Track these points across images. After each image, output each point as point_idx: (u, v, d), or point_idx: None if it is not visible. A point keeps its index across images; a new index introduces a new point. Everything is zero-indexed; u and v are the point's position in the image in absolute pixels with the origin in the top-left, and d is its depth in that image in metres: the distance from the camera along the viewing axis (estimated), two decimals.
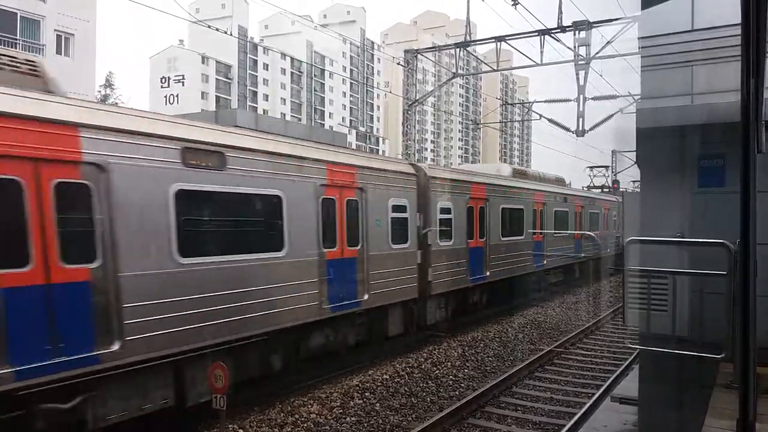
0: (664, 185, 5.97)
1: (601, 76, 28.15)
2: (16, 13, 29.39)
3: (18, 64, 6.36)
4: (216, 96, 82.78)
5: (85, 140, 6.23)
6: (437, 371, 10.94)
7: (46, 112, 5.98)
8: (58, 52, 31.03)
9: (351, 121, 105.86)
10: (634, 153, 6.47)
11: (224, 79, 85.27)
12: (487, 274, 16.05)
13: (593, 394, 9.53)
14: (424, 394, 9.66)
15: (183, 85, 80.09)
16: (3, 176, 5.58)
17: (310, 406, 8.71)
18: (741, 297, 2.75)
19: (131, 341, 6.55)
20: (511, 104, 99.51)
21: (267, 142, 8.96)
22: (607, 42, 19.06)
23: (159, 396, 7.12)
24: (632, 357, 11.20)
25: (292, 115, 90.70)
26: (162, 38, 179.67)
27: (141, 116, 7.23)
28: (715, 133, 5.49)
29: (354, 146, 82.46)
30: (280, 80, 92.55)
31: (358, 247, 10.74)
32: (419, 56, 24.91)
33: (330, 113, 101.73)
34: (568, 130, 22.67)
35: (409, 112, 25.21)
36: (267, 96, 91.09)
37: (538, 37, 19.49)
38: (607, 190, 36.08)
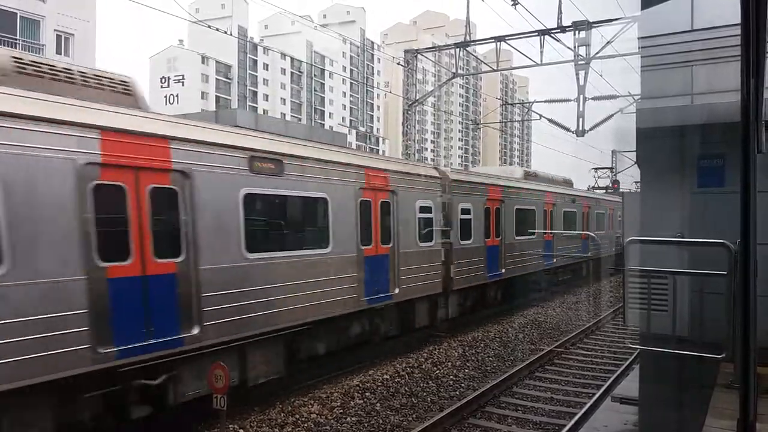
0: (664, 185, 5.97)
1: (601, 76, 28.18)
2: (16, 13, 29.42)
3: (115, 85, 7.27)
4: (216, 96, 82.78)
5: (174, 151, 7.15)
6: (438, 371, 10.94)
7: (144, 127, 6.89)
8: (58, 52, 31.05)
9: (351, 121, 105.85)
10: (634, 153, 6.47)
11: (224, 79, 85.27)
12: (503, 271, 16.85)
13: (594, 394, 9.52)
14: (425, 394, 9.66)
15: (183, 85, 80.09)
16: (112, 182, 6.50)
17: (310, 406, 8.71)
18: (741, 297, 2.75)
19: (207, 326, 7.44)
20: (511, 104, 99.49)
21: (316, 150, 9.96)
22: (607, 42, 19.07)
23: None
24: (633, 357, 11.20)
25: (292, 115, 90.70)
26: (162, 38, 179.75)
27: (216, 129, 8.14)
28: (715, 133, 5.49)
29: (354, 146, 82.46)
30: (280, 80, 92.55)
31: (390, 244, 11.61)
32: (419, 56, 24.92)
33: (330, 113, 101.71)
34: (568, 130, 22.69)
35: (409, 112, 25.21)
36: (267, 96, 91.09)
37: (538, 37, 19.50)
38: (611, 191, 36.27)
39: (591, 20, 19.02)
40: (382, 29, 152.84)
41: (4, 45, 26.37)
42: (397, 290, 11.69)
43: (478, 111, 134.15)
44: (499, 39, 20.44)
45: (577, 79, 20.57)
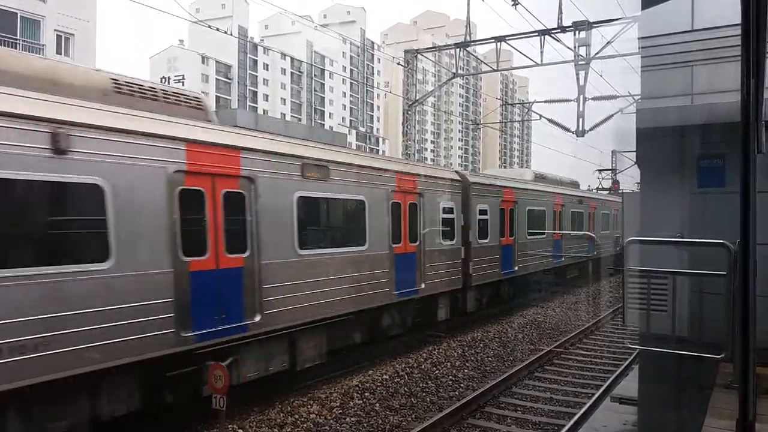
0: (664, 185, 5.96)
1: (601, 76, 28.22)
2: (16, 13, 29.40)
3: (190, 101, 8.14)
4: (216, 96, 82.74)
5: (242, 159, 8.09)
6: (437, 371, 10.94)
7: (219, 139, 7.84)
8: (58, 52, 31.05)
9: (351, 121, 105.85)
10: (634, 153, 6.47)
11: (224, 79, 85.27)
12: (516, 268, 17.78)
13: (593, 394, 9.52)
14: (424, 394, 9.66)
15: (183, 85, 79.89)
16: (193, 187, 7.39)
17: (309, 407, 8.70)
18: (741, 297, 2.75)
19: (267, 315, 8.36)
20: (511, 104, 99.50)
21: (355, 156, 11.34)
22: (607, 42, 19.07)
23: (279, 360, 8.95)
24: (632, 357, 11.20)
25: (292, 115, 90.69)
26: (162, 38, 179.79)
27: (274, 139, 9.01)
28: (715, 134, 5.49)
29: (354, 146, 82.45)
30: (280, 80, 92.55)
31: (417, 243, 12.58)
32: (419, 56, 24.92)
33: (330, 113, 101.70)
34: (568, 130, 22.69)
35: (409, 112, 25.22)
36: (267, 96, 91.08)
37: (538, 38, 19.49)
38: (613, 191, 36.56)
39: (591, 20, 19.03)
40: (382, 29, 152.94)
41: (4, 45, 26.36)
42: (423, 285, 12.63)
43: (478, 111, 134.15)
44: (499, 39, 20.44)
45: (577, 79, 20.58)
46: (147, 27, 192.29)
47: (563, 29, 19.28)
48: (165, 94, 7.79)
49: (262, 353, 8.49)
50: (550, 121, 24.51)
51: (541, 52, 19.69)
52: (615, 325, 16.07)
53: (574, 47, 19.55)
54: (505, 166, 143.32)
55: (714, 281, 5.01)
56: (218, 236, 7.68)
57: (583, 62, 19.86)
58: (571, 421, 8.17)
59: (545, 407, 9.20)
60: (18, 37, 29.27)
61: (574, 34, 19.28)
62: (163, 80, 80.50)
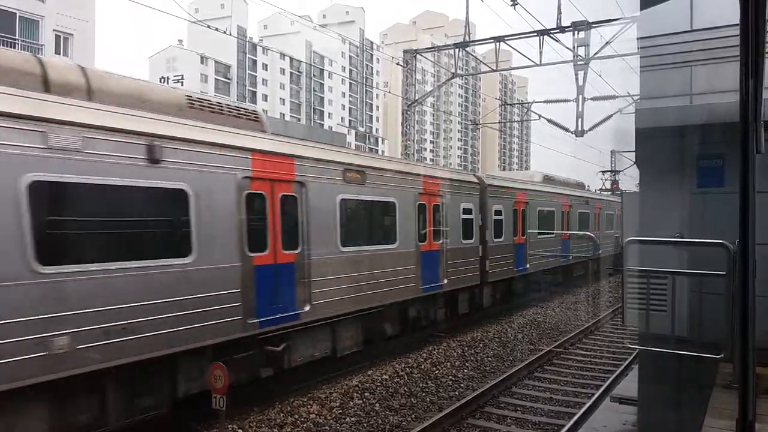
0: (663, 185, 5.97)
1: (600, 76, 28.30)
2: (15, 13, 29.36)
3: (249, 114, 9.02)
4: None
5: (296, 166, 9.06)
6: (437, 371, 10.94)
7: (277, 148, 8.81)
8: (57, 52, 31.01)
9: (350, 121, 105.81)
10: (634, 153, 6.47)
11: (223, 79, 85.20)
12: (528, 266, 18.61)
13: (593, 394, 9.52)
14: (424, 394, 9.66)
15: (182, 85, 79.85)
16: (257, 191, 8.34)
17: (309, 407, 8.70)
18: (740, 297, 2.75)
19: (315, 305, 9.31)
20: (511, 104, 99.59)
21: (388, 162, 12.63)
22: (606, 42, 19.07)
23: (322, 348, 9.91)
24: (632, 357, 11.20)
25: (291, 116, 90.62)
26: (161, 38, 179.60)
27: (321, 147, 9.96)
28: (715, 134, 5.49)
29: (353, 146, 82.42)
30: (279, 80, 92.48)
31: (440, 241, 13.47)
32: (418, 56, 24.90)
33: (329, 113, 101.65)
34: (567, 130, 22.67)
35: (409, 113, 25.20)
36: (266, 96, 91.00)
37: (537, 38, 19.48)
38: (619, 192, 36.93)
39: (590, 20, 19.02)
40: (381, 29, 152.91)
41: (3, 45, 26.33)
42: (445, 281, 13.57)
43: (478, 111, 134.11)
44: (499, 39, 20.43)
45: (576, 79, 20.57)
46: (146, 27, 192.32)
47: (562, 29, 19.27)
48: (229, 108, 8.73)
49: (309, 340, 9.51)
50: (550, 121, 24.50)
51: (540, 53, 19.69)
52: (615, 325, 16.08)
53: (573, 47, 19.54)
54: (504, 167, 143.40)
55: (713, 281, 5.02)
56: (276, 234, 8.66)
57: (582, 62, 19.85)
58: (571, 421, 8.17)
59: (545, 407, 9.20)
60: (17, 37, 29.24)
61: (573, 35, 19.28)
62: (163, 80, 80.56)
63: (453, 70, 24.76)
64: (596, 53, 19.68)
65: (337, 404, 8.89)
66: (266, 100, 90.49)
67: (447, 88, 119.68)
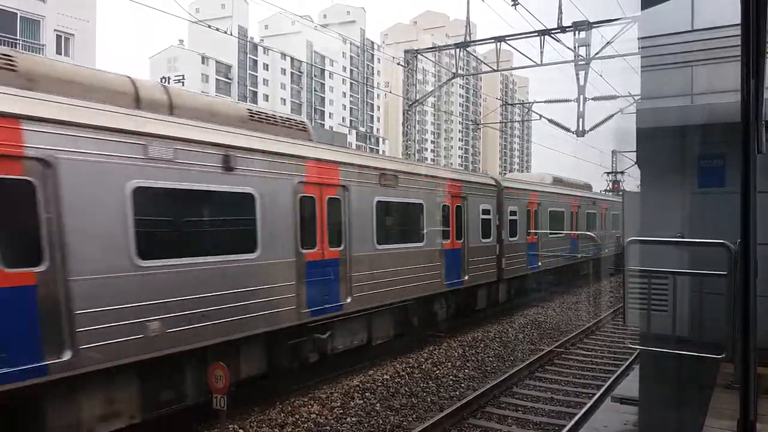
0: (664, 185, 5.96)
1: (601, 76, 28.18)
2: (16, 13, 29.40)
3: (297, 124, 9.89)
4: (216, 96, 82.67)
5: (340, 171, 9.96)
6: (438, 371, 10.94)
7: (325, 156, 9.72)
8: (58, 52, 31.05)
9: (351, 121, 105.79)
10: (635, 153, 6.46)
11: (224, 79, 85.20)
12: (540, 264, 19.45)
13: (594, 395, 9.52)
14: (425, 394, 9.66)
15: (183, 85, 79.81)
16: (309, 195, 9.24)
17: (310, 407, 8.70)
18: (741, 297, 2.75)
19: (355, 297, 10.21)
20: (511, 104, 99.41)
21: (417, 166, 14.10)
22: (607, 42, 19.06)
23: (359, 337, 10.89)
24: (633, 357, 11.19)
25: None
26: (162, 38, 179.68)
27: (360, 154, 10.89)
28: (715, 134, 5.48)
29: (354, 146, 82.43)
30: (280, 80, 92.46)
31: (462, 240, 14.35)
32: (419, 56, 24.90)
33: (330, 113, 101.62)
34: (568, 130, 22.68)
35: (409, 113, 25.20)
36: (267, 96, 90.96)
37: (538, 38, 19.49)
38: (620, 192, 37.19)
39: (591, 20, 19.02)
40: (382, 29, 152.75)
41: (4, 45, 26.35)
42: (466, 277, 14.50)
43: (478, 111, 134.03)
44: (499, 39, 20.43)
45: (577, 79, 20.57)
46: (147, 27, 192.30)
47: (563, 29, 19.27)
48: (282, 119, 9.64)
49: (349, 330, 10.45)
50: (550, 121, 24.50)
51: (541, 53, 19.70)
52: (615, 325, 16.07)
53: (574, 47, 19.54)
54: (505, 167, 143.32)
55: (714, 281, 5.01)
56: (324, 233, 9.57)
57: (582, 62, 19.85)
58: (572, 421, 8.16)
59: (546, 407, 9.20)
60: (18, 38, 29.28)
61: (574, 35, 19.28)
62: (164, 80, 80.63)
63: (454, 70, 24.76)
64: (597, 53, 19.68)
65: (338, 404, 8.89)
66: (267, 100, 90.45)
67: (448, 88, 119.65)
